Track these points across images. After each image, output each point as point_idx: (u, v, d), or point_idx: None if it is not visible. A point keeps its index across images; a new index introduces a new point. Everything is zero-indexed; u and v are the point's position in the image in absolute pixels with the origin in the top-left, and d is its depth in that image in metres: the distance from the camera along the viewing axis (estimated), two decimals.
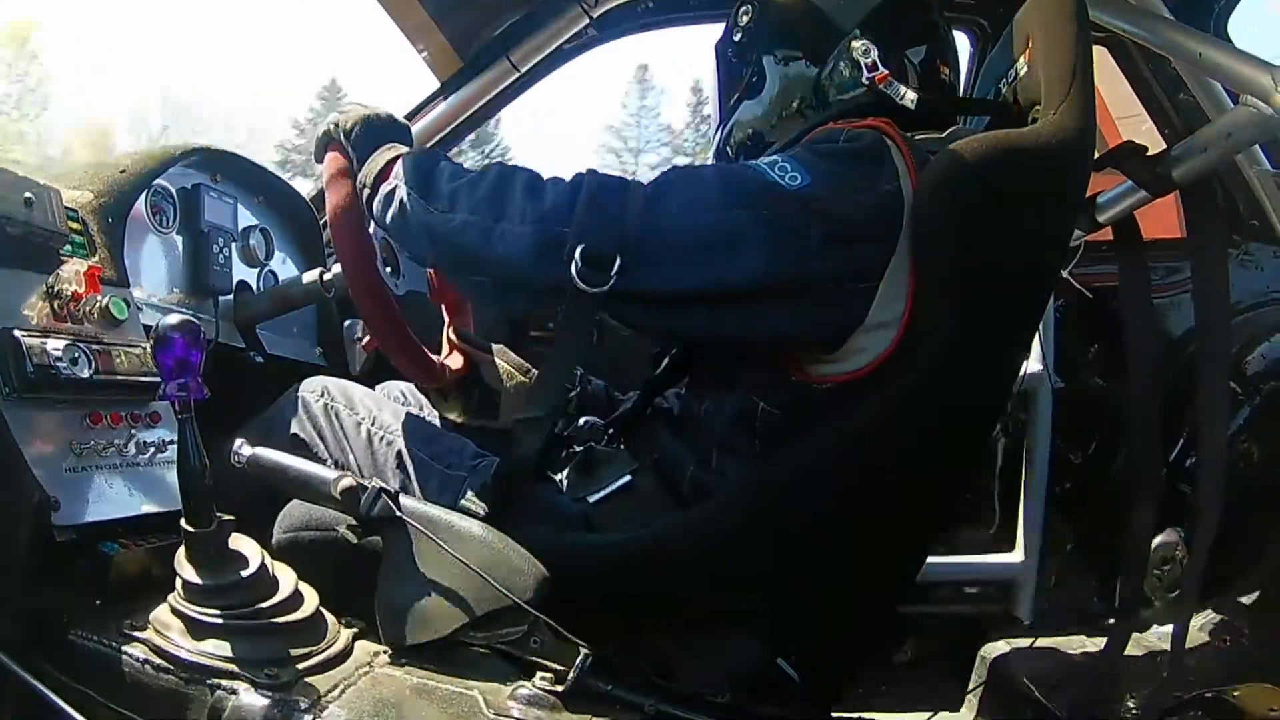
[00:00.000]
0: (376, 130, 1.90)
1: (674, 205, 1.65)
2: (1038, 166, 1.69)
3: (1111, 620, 2.63)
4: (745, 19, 2.07)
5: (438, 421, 2.20)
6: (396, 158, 1.81)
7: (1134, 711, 2.22)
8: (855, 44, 1.91)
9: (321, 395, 2.02)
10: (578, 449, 2.01)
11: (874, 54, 1.90)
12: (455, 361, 2.28)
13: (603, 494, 1.86)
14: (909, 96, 1.89)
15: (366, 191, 1.83)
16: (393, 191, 1.76)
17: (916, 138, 1.78)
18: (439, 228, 1.70)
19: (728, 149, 2.13)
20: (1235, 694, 1.75)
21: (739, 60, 2.09)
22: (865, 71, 1.90)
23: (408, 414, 2.08)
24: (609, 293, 1.62)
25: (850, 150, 1.71)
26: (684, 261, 1.64)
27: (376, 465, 1.93)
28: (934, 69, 2.02)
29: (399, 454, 1.94)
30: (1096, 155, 2.07)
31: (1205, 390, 2.21)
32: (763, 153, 1.95)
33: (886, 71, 1.90)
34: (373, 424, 1.98)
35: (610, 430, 2.14)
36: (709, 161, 2.26)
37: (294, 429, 1.96)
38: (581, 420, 2.19)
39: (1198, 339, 2.15)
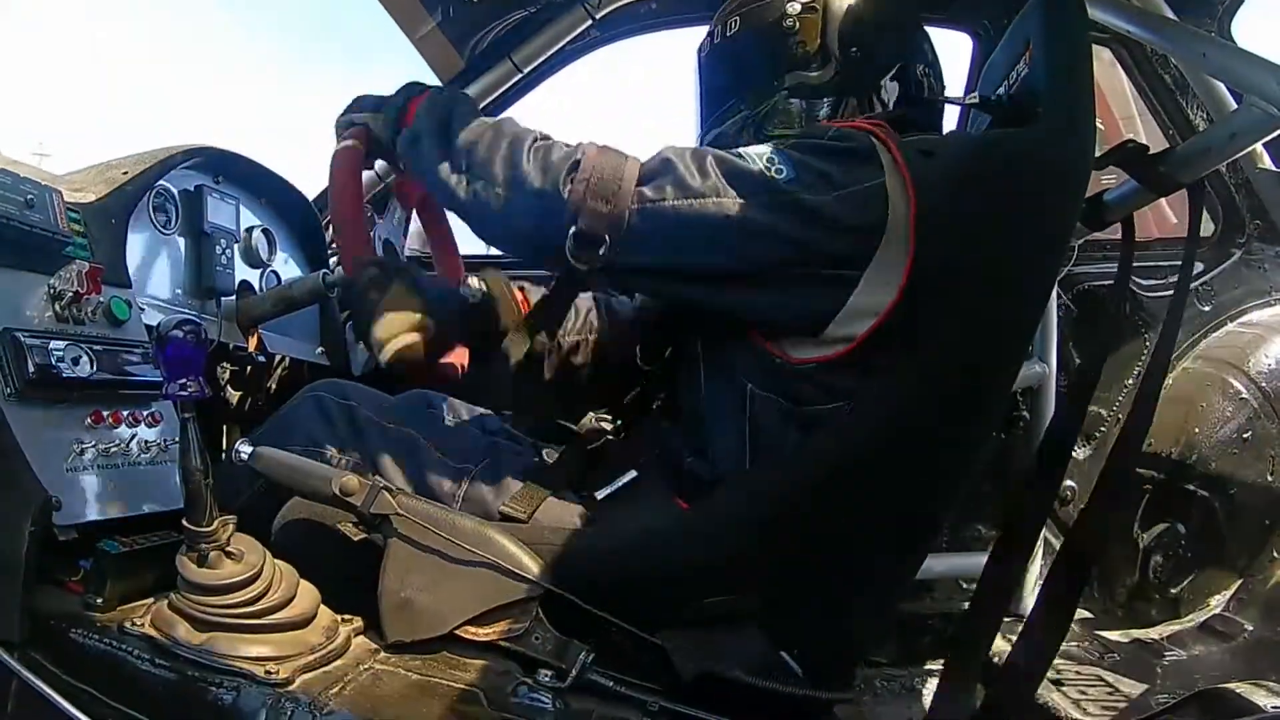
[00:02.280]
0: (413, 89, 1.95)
1: (666, 189, 1.67)
2: (1038, 166, 1.69)
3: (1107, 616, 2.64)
4: (733, 29, 2.08)
5: (450, 419, 2.20)
6: (416, 98, 1.88)
7: (1133, 708, 2.21)
8: (917, 67, 2.02)
9: (337, 394, 2.02)
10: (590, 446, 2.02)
11: (931, 76, 2.02)
12: (457, 367, 2.27)
13: (609, 490, 1.86)
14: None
15: (387, 131, 1.90)
16: (416, 136, 1.83)
17: (909, 138, 1.79)
18: (454, 190, 1.77)
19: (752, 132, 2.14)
20: (1236, 691, 1.74)
21: (724, 70, 2.13)
22: (928, 89, 2.02)
23: (420, 410, 2.09)
24: (600, 268, 1.71)
25: (836, 147, 1.73)
26: (672, 244, 1.69)
27: (391, 458, 1.93)
28: (917, 78, 2.06)
29: (412, 447, 1.94)
30: (1098, 154, 2.07)
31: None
32: None
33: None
34: (387, 419, 1.99)
35: (618, 422, 2.15)
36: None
37: (309, 428, 1.96)
38: (589, 416, 2.19)
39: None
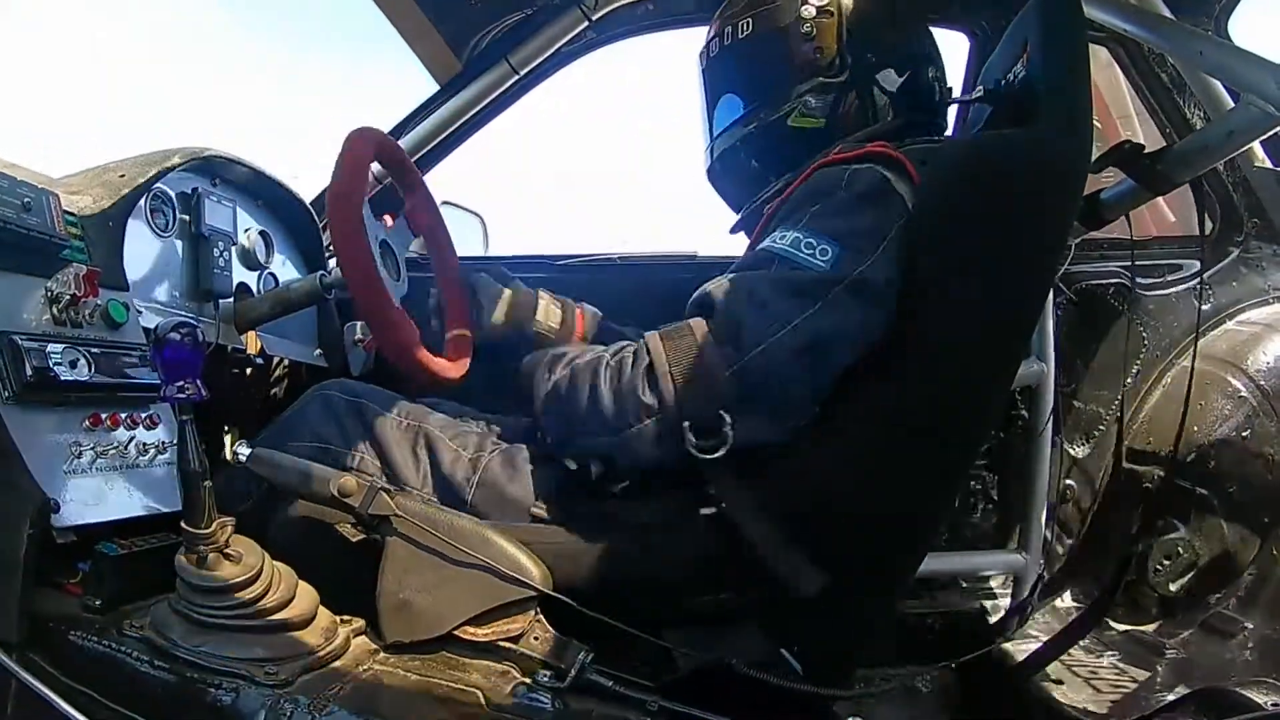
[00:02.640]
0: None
1: (750, 343, 1.65)
2: (1037, 166, 1.69)
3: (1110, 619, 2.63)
4: (746, 31, 2.08)
5: (457, 415, 2.21)
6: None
7: (1132, 706, 2.22)
8: (930, 71, 1.99)
9: (345, 393, 2.03)
10: None
11: (940, 80, 2.00)
12: (457, 368, 2.27)
13: (625, 484, 1.85)
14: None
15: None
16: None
17: (916, 145, 1.80)
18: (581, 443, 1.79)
19: (717, 163, 2.22)
20: (1237, 689, 1.75)
21: (735, 74, 2.13)
22: (941, 93, 1.99)
23: (429, 404, 2.12)
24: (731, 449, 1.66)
25: (856, 197, 1.73)
26: (781, 394, 1.68)
27: (404, 451, 1.94)
28: (928, 82, 2.07)
29: (425, 438, 1.95)
30: (1095, 155, 2.07)
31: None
32: (761, 170, 2.06)
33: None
34: (397, 414, 2.00)
35: None
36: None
37: (317, 427, 1.96)
38: None
39: None
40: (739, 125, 2.12)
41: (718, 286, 1.73)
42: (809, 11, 2.01)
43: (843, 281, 1.64)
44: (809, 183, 1.84)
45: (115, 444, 1.75)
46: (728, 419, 1.64)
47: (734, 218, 2.26)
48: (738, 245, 2.27)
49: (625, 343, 1.81)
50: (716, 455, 1.65)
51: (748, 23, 2.07)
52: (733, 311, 1.68)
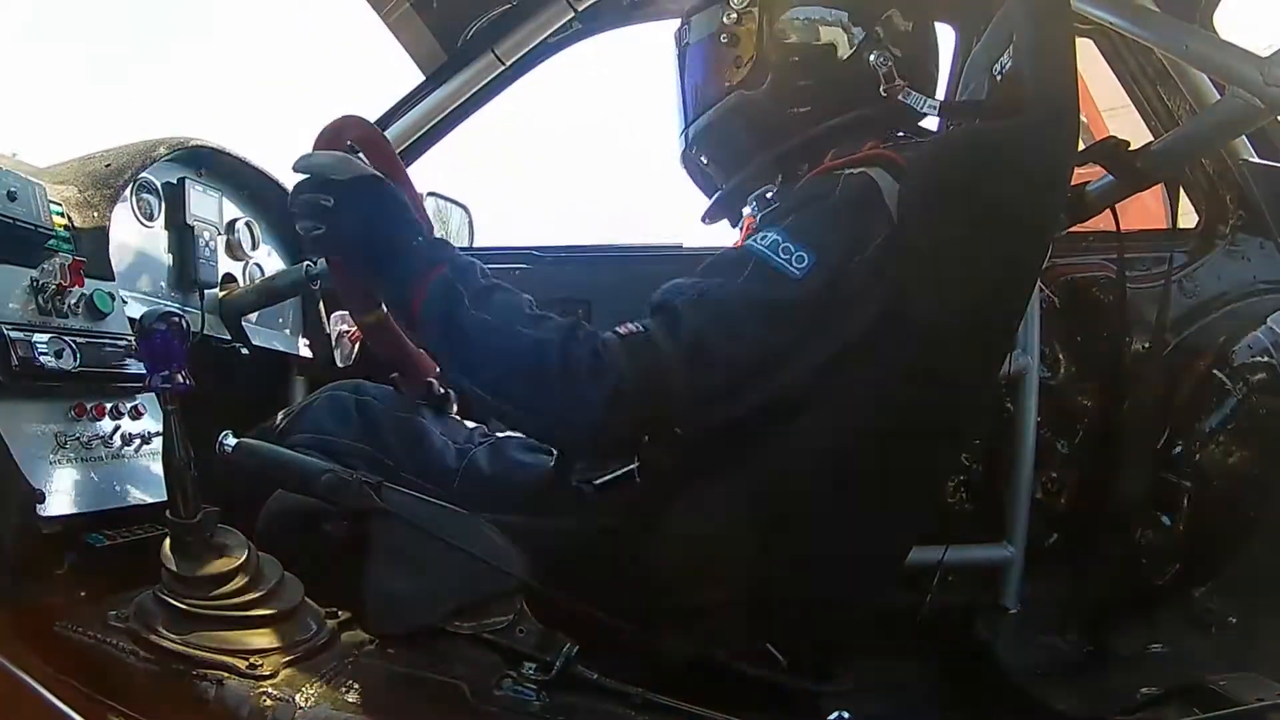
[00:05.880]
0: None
1: (712, 352, 1.64)
2: (1021, 160, 1.69)
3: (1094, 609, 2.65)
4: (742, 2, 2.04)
5: (453, 410, 2.23)
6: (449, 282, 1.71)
7: (1116, 700, 2.22)
8: (872, 54, 1.92)
9: (353, 392, 2.07)
10: None
11: (890, 64, 1.91)
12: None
13: (608, 478, 1.86)
14: (929, 103, 1.91)
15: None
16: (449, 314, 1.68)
17: (912, 143, 1.81)
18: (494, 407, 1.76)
19: (700, 150, 2.16)
20: (1220, 683, 1.75)
21: (730, 45, 2.04)
22: (883, 83, 1.91)
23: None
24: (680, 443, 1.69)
25: (844, 203, 1.71)
26: (735, 396, 1.67)
27: (400, 443, 1.98)
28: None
29: (420, 431, 2.00)
30: (1081, 148, 2.07)
31: None
32: (750, 149, 2.00)
33: (905, 83, 1.91)
34: (398, 409, 2.05)
35: None
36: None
37: (322, 421, 1.99)
38: None
39: None
40: (719, 97, 2.09)
41: (689, 295, 1.69)
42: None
43: (808, 288, 1.63)
44: (805, 185, 1.84)
45: (101, 434, 1.75)
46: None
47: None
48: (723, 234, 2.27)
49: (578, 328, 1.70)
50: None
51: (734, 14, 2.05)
52: (700, 325, 1.65)
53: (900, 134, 1.90)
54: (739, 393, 1.66)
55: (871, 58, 1.91)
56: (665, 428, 1.67)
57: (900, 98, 1.90)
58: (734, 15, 2.01)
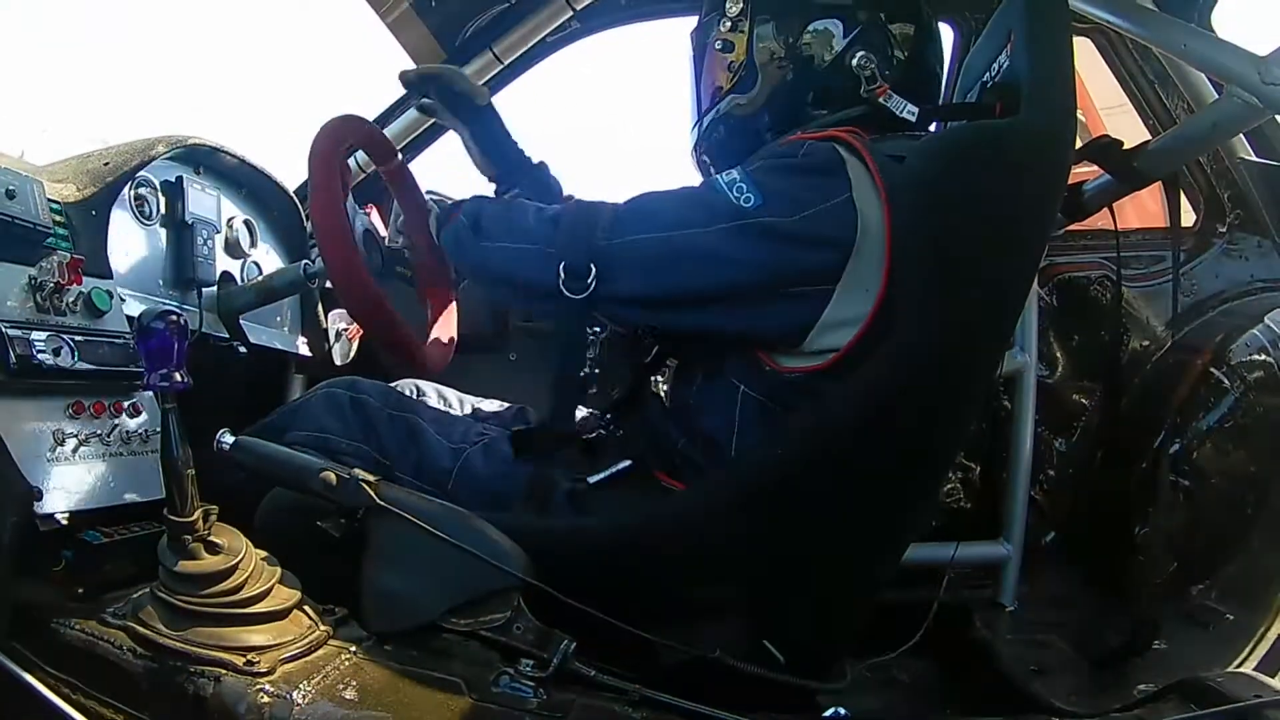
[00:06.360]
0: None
1: (639, 225, 1.82)
2: (1017, 159, 1.69)
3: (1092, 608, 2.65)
4: (735, 8, 2.08)
5: (446, 406, 2.23)
6: (463, 202, 2.05)
7: (1113, 697, 2.22)
8: (855, 57, 1.95)
9: (350, 389, 2.10)
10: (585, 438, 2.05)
11: (873, 66, 1.94)
12: (442, 358, 2.28)
13: (602, 476, 1.87)
14: (909, 109, 1.93)
15: (437, 225, 2.08)
16: (457, 226, 1.98)
17: (886, 140, 1.81)
18: (478, 254, 1.95)
19: (703, 150, 2.21)
20: (1217, 680, 1.75)
21: (724, 51, 2.10)
22: (864, 84, 1.93)
23: (422, 401, 2.21)
24: (589, 298, 1.81)
25: (803, 165, 1.78)
26: (649, 273, 1.81)
27: (396, 441, 2.01)
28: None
29: (415, 429, 2.03)
30: (1078, 147, 2.07)
31: None
32: (744, 150, 2.00)
33: (886, 85, 1.95)
34: (393, 407, 2.08)
35: (608, 416, 2.16)
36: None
37: (319, 418, 2.03)
38: (583, 411, 2.21)
39: None
40: (718, 100, 2.12)
41: (654, 192, 1.88)
42: None
43: (750, 220, 1.72)
44: (772, 147, 1.93)
45: (98, 432, 1.75)
46: (593, 271, 1.79)
47: None
48: None
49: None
50: (575, 297, 1.81)
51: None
52: (638, 203, 1.88)
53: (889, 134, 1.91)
54: (659, 265, 1.80)
55: (855, 61, 1.95)
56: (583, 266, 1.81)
57: (881, 100, 1.94)
58: (728, 23, 2.08)
